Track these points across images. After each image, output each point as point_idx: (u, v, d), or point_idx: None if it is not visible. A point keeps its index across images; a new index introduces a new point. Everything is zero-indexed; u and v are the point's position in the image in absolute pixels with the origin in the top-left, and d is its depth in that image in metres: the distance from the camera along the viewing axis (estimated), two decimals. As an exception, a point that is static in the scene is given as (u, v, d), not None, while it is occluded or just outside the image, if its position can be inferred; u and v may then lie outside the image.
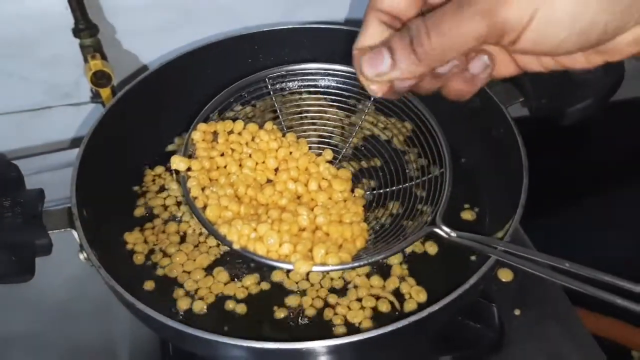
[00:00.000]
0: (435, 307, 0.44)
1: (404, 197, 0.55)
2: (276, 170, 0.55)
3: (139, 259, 0.55)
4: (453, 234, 0.47)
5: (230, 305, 0.52)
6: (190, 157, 0.52)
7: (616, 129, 0.73)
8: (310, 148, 0.57)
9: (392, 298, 0.52)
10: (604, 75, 0.59)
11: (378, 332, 0.43)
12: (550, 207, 0.67)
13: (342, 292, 0.53)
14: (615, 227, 0.68)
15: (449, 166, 0.51)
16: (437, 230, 0.47)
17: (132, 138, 0.61)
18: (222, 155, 0.53)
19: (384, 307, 0.52)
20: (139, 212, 0.59)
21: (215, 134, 0.54)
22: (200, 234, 0.57)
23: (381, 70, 0.33)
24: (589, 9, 0.29)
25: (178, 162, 0.51)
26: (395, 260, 0.54)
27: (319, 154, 0.57)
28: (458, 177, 0.50)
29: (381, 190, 0.57)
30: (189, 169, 0.51)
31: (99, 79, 0.64)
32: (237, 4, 0.67)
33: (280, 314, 0.52)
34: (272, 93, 0.58)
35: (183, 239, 0.57)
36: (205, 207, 0.49)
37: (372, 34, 0.34)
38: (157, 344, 0.55)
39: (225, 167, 0.53)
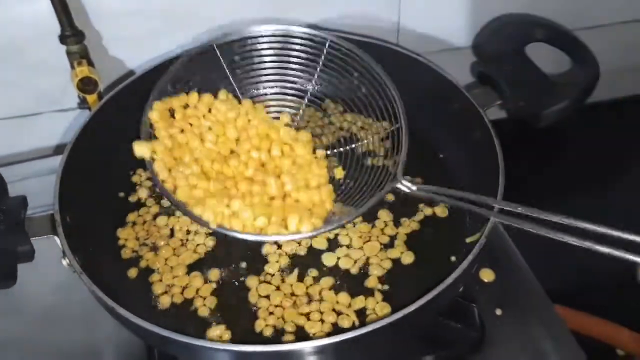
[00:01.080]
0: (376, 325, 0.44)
1: (364, 156, 0.57)
2: (237, 140, 0.55)
3: (127, 253, 0.56)
4: (414, 187, 0.49)
5: (200, 308, 0.52)
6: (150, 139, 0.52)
7: (592, 130, 0.74)
8: (267, 112, 0.58)
9: (353, 317, 0.51)
10: (580, 78, 0.59)
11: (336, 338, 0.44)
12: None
13: (307, 302, 0.52)
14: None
15: (404, 121, 0.53)
16: (399, 185, 0.50)
17: (117, 143, 0.60)
18: (182, 132, 0.54)
19: (345, 323, 0.50)
20: (132, 217, 0.59)
21: (171, 110, 0.54)
22: (188, 231, 0.57)
23: None
24: None
25: (141, 148, 0.51)
26: (375, 271, 0.54)
27: (277, 118, 0.58)
28: (436, 174, 0.51)
29: (341, 149, 0.58)
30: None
31: (86, 85, 0.64)
32: (224, 9, 0.67)
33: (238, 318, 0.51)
34: (222, 60, 0.58)
35: (172, 233, 0.57)
36: (175, 189, 0.50)
37: None
38: (143, 349, 0.55)
39: (187, 143, 0.53)
